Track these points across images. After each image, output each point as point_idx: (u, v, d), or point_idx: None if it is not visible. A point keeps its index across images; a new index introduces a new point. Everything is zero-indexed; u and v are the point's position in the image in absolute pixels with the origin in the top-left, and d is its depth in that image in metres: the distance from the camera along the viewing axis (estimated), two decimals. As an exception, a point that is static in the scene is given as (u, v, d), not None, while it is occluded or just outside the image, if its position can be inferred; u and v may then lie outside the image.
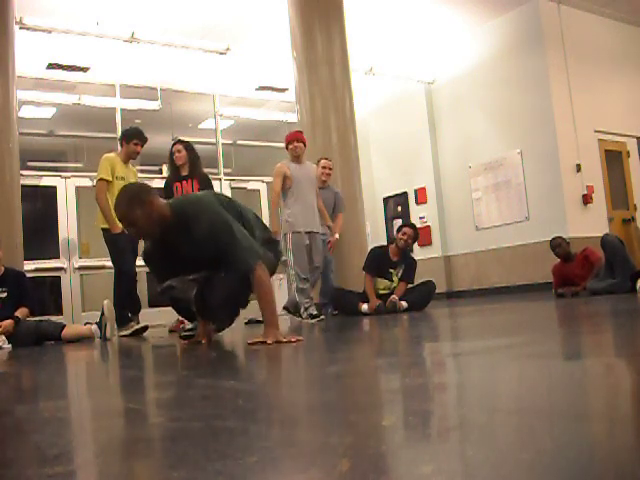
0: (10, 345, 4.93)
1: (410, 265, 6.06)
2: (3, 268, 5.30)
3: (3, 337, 4.95)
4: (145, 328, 5.57)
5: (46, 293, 8.86)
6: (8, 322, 5.03)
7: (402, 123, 10.55)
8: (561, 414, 0.97)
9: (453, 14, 8.95)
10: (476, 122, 9.60)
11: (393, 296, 5.81)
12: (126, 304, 5.54)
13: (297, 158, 5.83)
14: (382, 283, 6.02)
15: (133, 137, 5.68)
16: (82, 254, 8.90)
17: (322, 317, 5.57)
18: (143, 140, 5.75)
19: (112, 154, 5.71)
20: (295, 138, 5.87)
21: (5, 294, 5.22)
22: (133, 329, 5.46)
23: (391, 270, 6.03)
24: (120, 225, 5.51)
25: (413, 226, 6.17)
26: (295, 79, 7.10)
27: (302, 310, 5.55)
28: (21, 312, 5.18)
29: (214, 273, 3.26)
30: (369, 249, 6.42)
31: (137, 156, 5.80)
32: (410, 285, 6.04)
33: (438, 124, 10.27)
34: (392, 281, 6.02)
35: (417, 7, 8.56)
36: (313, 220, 5.77)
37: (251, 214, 3.55)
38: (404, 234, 5.98)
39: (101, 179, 5.51)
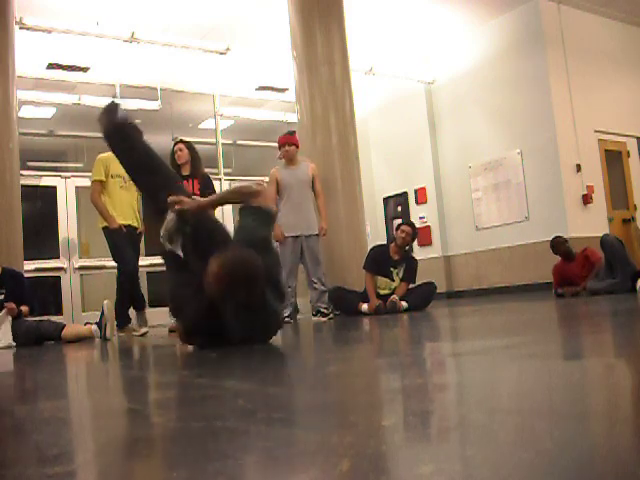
0: (15, 343, 4.94)
1: (411, 266, 6.07)
2: (1, 269, 5.31)
3: (9, 336, 4.96)
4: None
5: (46, 293, 8.86)
6: (12, 305, 5.07)
7: (402, 123, 10.55)
8: (561, 414, 0.97)
9: (453, 14, 8.95)
10: (476, 122, 9.60)
11: (393, 296, 5.82)
12: (126, 303, 5.59)
13: (289, 161, 5.95)
14: (383, 282, 6.02)
15: None
16: (82, 254, 8.90)
17: (287, 321, 5.69)
18: None
19: (106, 154, 5.73)
20: (285, 142, 5.95)
21: (2, 295, 5.22)
22: (135, 335, 5.53)
23: (392, 269, 6.04)
24: (118, 221, 5.54)
25: (411, 224, 6.20)
26: (295, 79, 7.10)
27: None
28: (22, 309, 5.22)
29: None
30: (369, 249, 6.42)
31: None
32: (411, 285, 6.05)
33: (438, 124, 10.27)
34: (393, 280, 6.02)
35: (417, 7, 8.56)
36: (304, 223, 5.83)
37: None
38: (403, 232, 6.01)
39: (94, 181, 5.62)
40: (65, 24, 7.46)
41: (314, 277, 5.88)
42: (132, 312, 5.81)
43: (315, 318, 5.76)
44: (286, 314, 5.69)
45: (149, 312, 6.14)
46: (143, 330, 5.61)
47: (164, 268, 3.25)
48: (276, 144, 6.22)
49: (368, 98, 10.76)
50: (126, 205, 5.68)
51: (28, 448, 1.08)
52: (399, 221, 10.46)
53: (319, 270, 5.92)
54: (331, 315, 5.75)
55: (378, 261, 6.05)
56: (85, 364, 3.34)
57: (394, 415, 1.10)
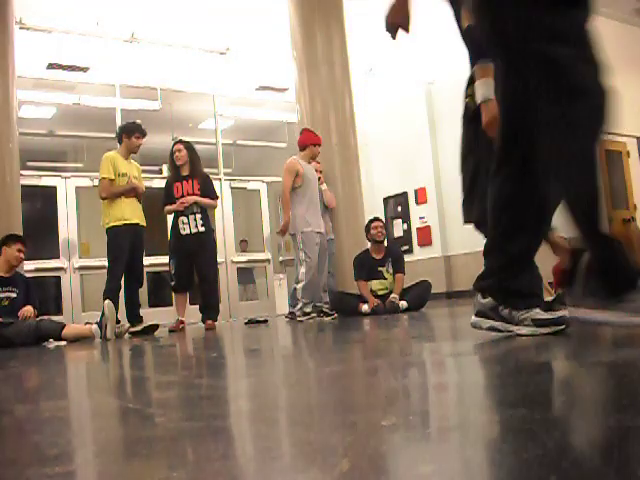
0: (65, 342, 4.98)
1: (398, 257, 6.14)
2: (13, 271, 5.39)
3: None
4: (155, 327, 5.65)
5: (46, 293, 8.86)
6: (28, 308, 5.18)
7: (402, 123, 10.54)
8: (561, 414, 0.97)
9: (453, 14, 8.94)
10: (476, 122, 9.59)
11: (393, 295, 5.83)
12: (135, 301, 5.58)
13: (313, 158, 5.97)
14: (377, 284, 6.03)
15: (134, 131, 5.66)
16: (82, 254, 8.90)
17: (314, 315, 5.69)
18: (143, 133, 5.72)
19: (112, 152, 5.71)
20: (319, 143, 5.98)
21: (15, 294, 5.29)
22: (143, 326, 5.52)
23: (380, 268, 6.06)
24: (125, 219, 5.48)
25: (377, 218, 6.31)
26: (295, 79, 7.11)
27: (298, 306, 5.63)
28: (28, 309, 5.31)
29: None
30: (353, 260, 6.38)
31: (138, 150, 5.75)
32: (408, 285, 6.06)
33: (438, 124, 10.27)
34: (385, 278, 6.03)
35: (417, 7, 8.55)
36: (321, 221, 5.85)
37: None
38: (376, 227, 6.08)
39: (103, 178, 5.51)
40: (65, 24, 7.47)
41: (323, 277, 5.91)
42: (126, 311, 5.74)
43: (317, 318, 5.75)
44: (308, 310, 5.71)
45: (149, 312, 6.14)
46: (132, 329, 5.52)
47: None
48: (277, 144, 6.22)
49: (368, 98, 10.76)
50: (132, 204, 5.61)
51: (28, 448, 1.08)
52: (399, 221, 10.56)
53: (326, 269, 5.95)
54: (334, 315, 5.75)
55: (365, 267, 6.07)
56: (85, 364, 3.34)
57: (394, 415, 1.10)
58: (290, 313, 5.86)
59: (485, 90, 2.43)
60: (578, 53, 1.92)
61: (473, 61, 2.51)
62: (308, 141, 5.95)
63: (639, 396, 1.04)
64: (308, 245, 5.71)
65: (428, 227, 10.21)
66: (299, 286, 5.72)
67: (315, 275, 5.71)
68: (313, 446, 0.89)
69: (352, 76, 7.19)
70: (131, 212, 5.54)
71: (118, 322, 5.41)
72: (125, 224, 5.47)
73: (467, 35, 2.51)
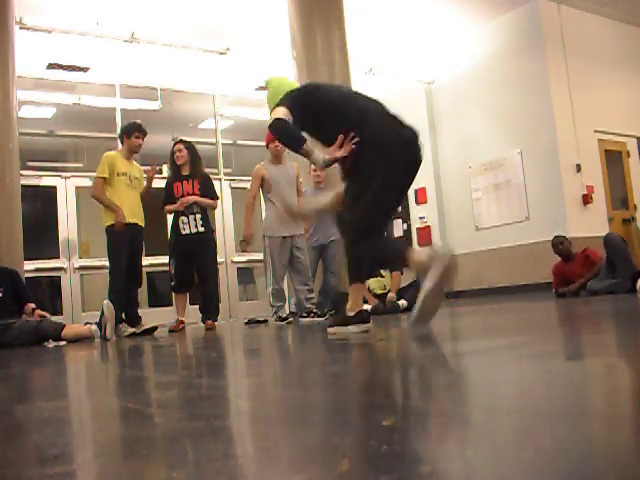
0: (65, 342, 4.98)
1: None
2: None
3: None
4: (155, 328, 5.64)
5: (46, 293, 8.86)
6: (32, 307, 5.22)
7: (402, 123, 10.53)
8: (561, 414, 0.97)
9: (453, 14, 8.95)
10: (476, 122, 9.60)
11: (391, 294, 5.84)
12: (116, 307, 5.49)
13: (277, 158, 5.83)
14: (376, 282, 6.02)
15: (134, 130, 5.72)
16: (82, 254, 8.90)
17: (291, 320, 5.66)
18: (144, 133, 5.77)
19: (112, 152, 5.75)
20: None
21: (1, 293, 5.24)
22: (143, 328, 5.51)
23: None
24: (125, 215, 5.47)
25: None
26: (295, 79, 7.10)
27: (272, 312, 5.76)
28: (28, 307, 5.28)
29: None
30: None
31: (139, 149, 5.79)
32: (404, 284, 6.06)
33: (438, 124, 10.27)
34: (383, 276, 6.02)
35: (417, 7, 8.56)
36: (293, 223, 5.76)
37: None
38: None
39: (97, 177, 5.56)
40: (65, 24, 7.46)
41: (305, 278, 5.82)
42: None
43: (307, 319, 5.61)
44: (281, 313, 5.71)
45: (149, 312, 6.12)
46: (131, 330, 5.51)
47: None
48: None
49: (368, 98, 10.74)
50: (132, 203, 5.62)
51: (28, 448, 1.08)
52: (399, 221, 10.55)
53: (309, 270, 5.89)
54: (327, 315, 5.66)
55: None
56: (85, 364, 3.34)
57: (394, 415, 1.10)
58: (291, 313, 5.86)
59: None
60: None
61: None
62: (266, 140, 5.89)
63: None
64: (274, 250, 5.71)
65: (428, 227, 10.21)
66: (268, 292, 5.80)
67: (279, 281, 5.72)
68: (313, 446, 0.89)
69: (352, 76, 7.18)
70: (129, 211, 5.55)
71: (123, 321, 5.43)
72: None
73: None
